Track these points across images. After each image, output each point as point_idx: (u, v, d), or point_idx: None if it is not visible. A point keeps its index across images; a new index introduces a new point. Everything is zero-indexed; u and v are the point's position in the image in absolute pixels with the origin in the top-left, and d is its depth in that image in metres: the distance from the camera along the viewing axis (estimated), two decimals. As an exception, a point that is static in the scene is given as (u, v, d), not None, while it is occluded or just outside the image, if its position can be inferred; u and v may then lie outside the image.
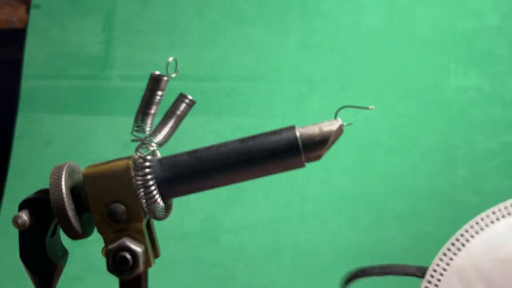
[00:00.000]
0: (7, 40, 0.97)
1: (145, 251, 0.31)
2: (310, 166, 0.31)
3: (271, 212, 0.81)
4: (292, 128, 0.30)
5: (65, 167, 0.32)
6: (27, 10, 0.93)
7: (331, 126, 0.30)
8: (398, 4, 0.88)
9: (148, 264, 0.31)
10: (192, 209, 0.80)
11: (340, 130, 0.30)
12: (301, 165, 0.30)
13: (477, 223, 0.29)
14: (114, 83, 0.90)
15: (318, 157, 0.30)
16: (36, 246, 0.32)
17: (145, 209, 0.31)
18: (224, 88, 0.88)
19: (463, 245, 0.28)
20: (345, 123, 0.30)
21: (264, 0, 0.90)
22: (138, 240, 0.31)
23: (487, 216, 0.29)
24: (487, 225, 0.28)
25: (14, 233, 0.32)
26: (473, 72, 0.85)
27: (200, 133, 0.84)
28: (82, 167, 0.32)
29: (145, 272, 0.32)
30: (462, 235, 0.29)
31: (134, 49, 0.91)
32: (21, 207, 0.32)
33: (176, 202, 0.33)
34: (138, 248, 0.31)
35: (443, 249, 0.29)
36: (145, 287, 0.32)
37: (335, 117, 0.30)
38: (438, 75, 0.85)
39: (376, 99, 0.85)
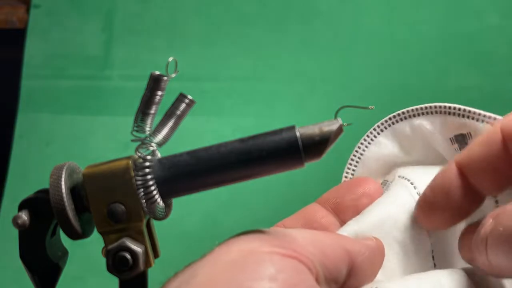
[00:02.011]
0: (7, 40, 0.97)
1: (145, 251, 0.31)
2: (310, 166, 0.31)
3: (271, 212, 0.81)
4: (292, 128, 0.30)
5: (65, 167, 0.31)
6: (27, 10, 0.93)
7: (331, 126, 0.30)
8: (398, 4, 0.88)
9: (148, 264, 0.31)
10: (192, 209, 0.80)
11: (340, 130, 0.30)
12: (301, 165, 0.30)
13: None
14: (114, 83, 0.90)
15: (318, 157, 0.30)
16: (36, 246, 0.32)
17: (145, 209, 0.31)
18: (224, 88, 0.88)
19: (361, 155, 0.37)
20: (345, 123, 0.30)
21: (264, 0, 0.90)
22: (138, 240, 0.31)
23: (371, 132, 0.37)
24: (372, 140, 0.36)
25: (14, 233, 0.32)
26: (473, 72, 0.85)
27: (200, 133, 0.84)
28: (82, 167, 0.32)
29: (145, 272, 0.32)
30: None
31: (134, 49, 0.91)
32: (21, 207, 0.32)
33: (176, 202, 0.33)
34: (138, 248, 0.31)
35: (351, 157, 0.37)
36: (145, 287, 0.32)
37: (335, 117, 0.30)
38: (438, 75, 0.85)
39: (376, 99, 0.85)
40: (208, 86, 0.88)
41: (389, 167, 0.36)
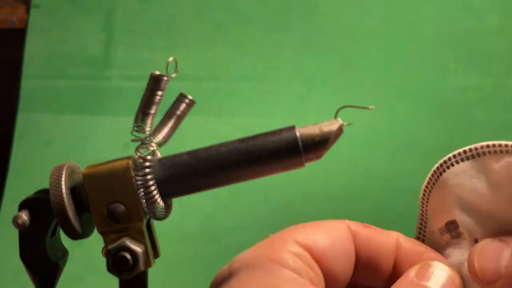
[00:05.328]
0: (7, 40, 0.97)
1: (145, 251, 0.31)
2: (310, 166, 0.31)
3: (271, 212, 0.81)
4: (292, 128, 0.30)
5: (65, 167, 0.32)
6: (27, 10, 0.93)
7: (331, 126, 0.30)
8: (398, 4, 0.88)
9: (148, 264, 0.31)
10: (192, 209, 0.80)
11: (340, 130, 0.30)
12: (301, 165, 0.30)
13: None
14: (114, 83, 0.90)
15: (318, 157, 0.30)
16: (36, 246, 0.32)
17: (145, 209, 0.31)
18: (224, 88, 0.88)
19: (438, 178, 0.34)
20: (345, 123, 0.30)
21: (264, 0, 0.90)
22: (138, 240, 0.31)
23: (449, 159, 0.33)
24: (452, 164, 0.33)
25: (14, 233, 0.32)
26: (473, 72, 0.85)
27: (200, 133, 0.84)
28: (82, 167, 0.32)
29: (145, 272, 0.32)
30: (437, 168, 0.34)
31: (134, 49, 0.91)
32: (21, 207, 0.32)
33: (176, 202, 0.33)
34: (138, 248, 0.31)
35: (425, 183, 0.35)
36: (145, 287, 0.32)
37: (335, 117, 0.30)
38: (438, 75, 0.85)
39: (376, 99, 0.85)
40: (208, 86, 0.88)
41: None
